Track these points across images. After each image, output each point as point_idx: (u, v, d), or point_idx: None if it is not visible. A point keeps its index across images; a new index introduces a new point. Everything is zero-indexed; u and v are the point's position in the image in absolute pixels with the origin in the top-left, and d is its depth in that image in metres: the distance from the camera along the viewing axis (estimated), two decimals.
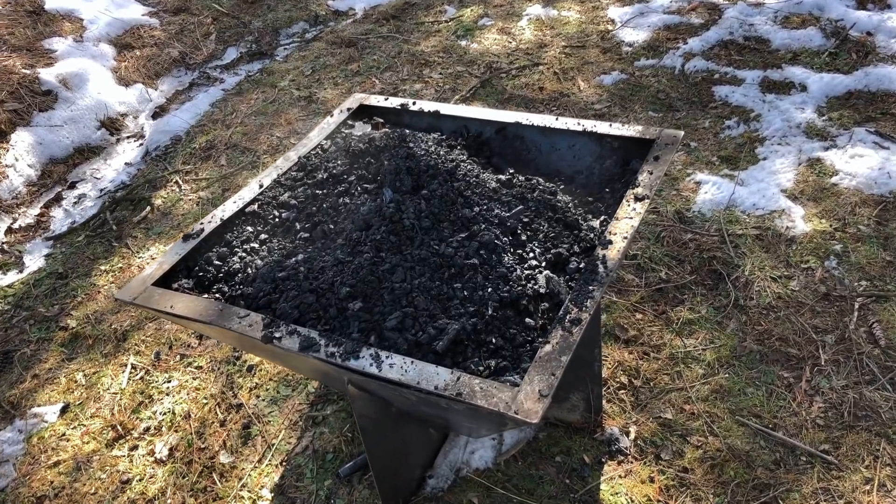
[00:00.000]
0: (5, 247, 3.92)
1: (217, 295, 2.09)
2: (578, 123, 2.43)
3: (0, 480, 2.67)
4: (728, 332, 2.78)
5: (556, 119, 2.48)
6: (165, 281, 2.11)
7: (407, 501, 2.39)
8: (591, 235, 2.08)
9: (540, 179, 2.33)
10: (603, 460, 2.42)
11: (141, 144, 4.70)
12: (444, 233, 2.02)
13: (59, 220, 4.14)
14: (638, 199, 2.07)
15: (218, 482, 2.52)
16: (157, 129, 4.78)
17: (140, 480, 2.58)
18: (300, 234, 2.20)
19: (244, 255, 2.19)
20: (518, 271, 1.97)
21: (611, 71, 4.59)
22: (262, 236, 2.26)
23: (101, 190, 4.33)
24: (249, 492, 2.48)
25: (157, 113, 5.02)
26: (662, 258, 3.13)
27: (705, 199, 3.42)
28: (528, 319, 1.88)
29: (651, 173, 2.15)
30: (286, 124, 4.57)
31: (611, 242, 1.94)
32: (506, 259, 1.99)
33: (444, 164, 2.20)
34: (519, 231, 2.10)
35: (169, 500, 2.48)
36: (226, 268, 2.15)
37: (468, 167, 2.27)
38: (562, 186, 2.35)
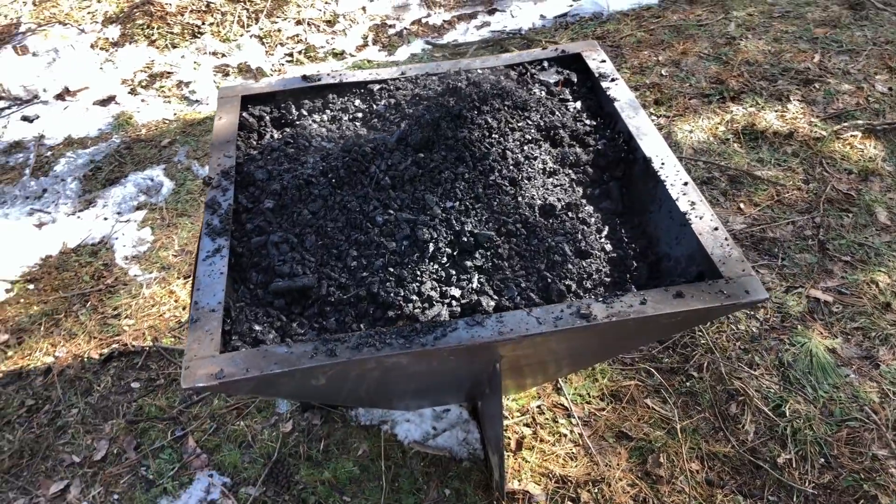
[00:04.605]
0: (404, 31, 4.55)
1: (276, 136, 2.27)
2: (705, 219, 1.78)
3: None
4: None
5: (685, 189, 1.84)
6: (266, 99, 2.36)
7: None
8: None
9: (595, 232, 1.85)
10: None
11: None
12: (394, 202, 1.83)
13: (458, 32, 4.55)
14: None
15: None
16: None
17: None
18: (357, 131, 2.18)
19: (325, 120, 2.29)
20: (412, 289, 1.69)
21: None
22: (358, 115, 2.31)
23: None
24: None
25: None
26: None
27: None
28: None
29: None
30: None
31: None
32: (421, 264, 1.73)
33: (485, 145, 1.89)
34: (472, 251, 1.76)
35: None
36: (303, 120, 2.30)
37: (522, 151, 1.91)
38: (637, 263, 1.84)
